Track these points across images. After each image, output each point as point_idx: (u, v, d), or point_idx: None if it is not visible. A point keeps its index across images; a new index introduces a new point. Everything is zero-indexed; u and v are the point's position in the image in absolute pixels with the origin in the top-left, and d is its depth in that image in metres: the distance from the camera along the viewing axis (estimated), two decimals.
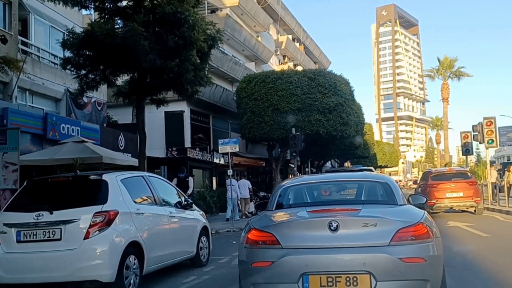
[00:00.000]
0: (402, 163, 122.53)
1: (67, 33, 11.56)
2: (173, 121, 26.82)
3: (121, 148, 19.48)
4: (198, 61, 12.38)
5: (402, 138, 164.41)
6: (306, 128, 24.55)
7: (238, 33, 34.51)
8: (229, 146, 14.74)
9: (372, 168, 31.30)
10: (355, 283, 3.82)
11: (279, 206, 4.87)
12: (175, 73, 11.47)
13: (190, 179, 11.76)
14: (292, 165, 37.34)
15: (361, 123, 33.67)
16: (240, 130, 27.35)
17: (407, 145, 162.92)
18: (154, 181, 6.28)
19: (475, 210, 15.96)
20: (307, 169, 41.46)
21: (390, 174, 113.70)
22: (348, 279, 3.83)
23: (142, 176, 6.13)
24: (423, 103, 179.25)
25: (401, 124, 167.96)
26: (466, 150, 23.37)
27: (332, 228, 3.99)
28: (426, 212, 4.54)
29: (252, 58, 38.74)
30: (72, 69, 12.18)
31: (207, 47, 11.80)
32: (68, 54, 12.31)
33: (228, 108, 29.57)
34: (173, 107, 27.22)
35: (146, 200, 5.95)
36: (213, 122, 30.18)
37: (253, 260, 4.14)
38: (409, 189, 51.97)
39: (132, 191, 5.56)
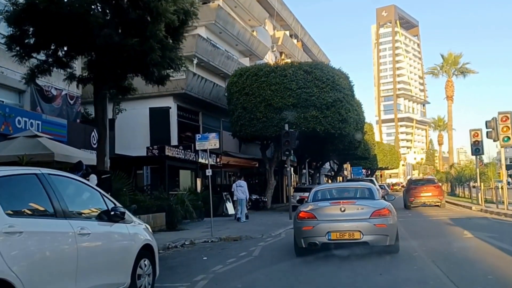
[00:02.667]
0: (403, 165, 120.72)
1: (7, 4, 9.50)
2: (158, 118, 24.85)
3: (95, 146, 17.43)
4: (170, 40, 10.31)
5: (402, 140, 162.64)
6: (302, 125, 22.56)
7: (231, 26, 32.51)
8: (207, 142, 12.74)
9: (373, 179, 38.29)
10: (352, 235, 7.95)
11: (314, 200, 9.06)
12: (138, 53, 9.42)
13: (92, 177, 9.21)
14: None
15: (361, 121, 31.67)
16: (231, 128, 25.36)
17: (407, 147, 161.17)
18: (58, 183, 4.21)
19: (439, 205, 22.97)
20: (304, 171, 39.39)
21: (390, 176, 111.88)
22: (349, 233, 7.96)
23: (36, 174, 4.04)
24: (423, 105, 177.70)
25: (401, 126, 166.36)
26: (476, 149, 21.37)
27: (342, 210, 8.12)
28: (390, 203, 8.74)
29: (247, 53, 36.74)
30: (17, 48, 10.13)
31: (177, 21, 9.76)
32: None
33: (219, 105, 27.57)
34: (159, 102, 25.34)
35: (34, 210, 3.90)
36: (203, 119, 28.16)
37: (302, 226, 8.23)
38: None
39: (6, 198, 3.54)
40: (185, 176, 26.67)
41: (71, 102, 18.74)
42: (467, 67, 38.13)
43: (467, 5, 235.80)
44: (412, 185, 24.30)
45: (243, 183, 19.86)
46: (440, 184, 27.12)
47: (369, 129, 46.29)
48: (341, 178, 63.16)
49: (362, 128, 32.45)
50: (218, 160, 20.92)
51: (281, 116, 22.44)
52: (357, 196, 9.23)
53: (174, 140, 24.46)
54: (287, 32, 47.00)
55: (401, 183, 76.29)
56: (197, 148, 13.17)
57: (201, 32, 28.80)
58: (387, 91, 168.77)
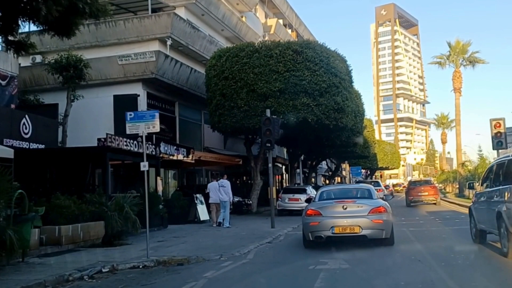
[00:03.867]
0: (403, 165, 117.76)
1: None
2: (124, 107, 21.14)
3: (26, 136, 13.94)
4: None
5: (402, 140, 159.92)
6: (290, 114, 19.03)
7: (215, 8, 28.96)
8: (143, 123, 9.23)
9: (378, 181, 41.85)
10: (353, 230, 9.17)
11: (320, 199, 10.59)
12: None
13: None
14: (279, 165, 31.74)
15: (360, 114, 28.11)
16: (209, 119, 21.86)
17: (407, 148, 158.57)
18: None
19: (435, 203, 25.85)
20: (298, 170, 35.75)
21: (390, 177, 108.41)
22: (350, 228, 9.21)
23: None
24: (423, 105, 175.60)
25: (400, 126, 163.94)
26: (499, 142, 17.96)
27: (344, 208, 9.47)
28: (386, 202, 11.01)
29: (234, 40, 33.11)
30: None
31: None
32: None
33: (199, 94, 24.04)
34: (125, 89, 21.79)
35: None
36: (180, 111, 24.63)
37: (310, 221, 9.63)
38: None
39: None
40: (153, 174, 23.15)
41: (3, 82, 15.23)
42: (477, 56, 34.66)
43: (468, 4, 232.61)
44: (412, 186, 28.67)
45: (225, 182, 16.66)
46: (437, 185, 32.33)
47: (369, 125, 42.74)
48: (339, 178, 59.68)
49: (361, 121, 28.92)
50: (189, 155, 17.39)
51: (266, 104, 18.90)
52: (358, 196, 10.63)
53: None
54: (281, 21, 43.48)
55: (402, 183, 72.84)
56: (128, 131, 9.60)
57: (180, 12, 25.26)
58: (386, 90, 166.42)
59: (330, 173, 50.15)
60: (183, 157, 16.81)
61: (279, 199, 21.39)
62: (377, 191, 13.14)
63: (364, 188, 11.10)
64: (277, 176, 30.44)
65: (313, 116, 19.27)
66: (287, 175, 33.39)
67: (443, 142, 58.98)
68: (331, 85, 19.64)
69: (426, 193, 26.20)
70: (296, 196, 21.00)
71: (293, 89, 19.14)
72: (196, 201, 16.93)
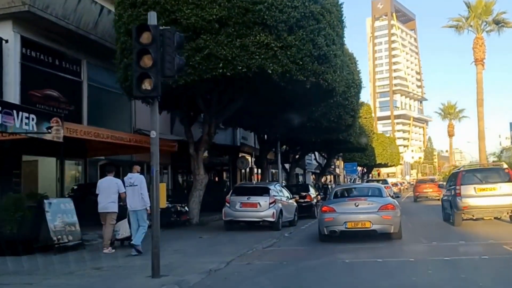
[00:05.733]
0: (400, 164, 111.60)
1: None
2: None
3: None
4: None
5: (399, 138, 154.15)
6: (237, 61, 11.18)
7: None
8: None
9: (387, 179, 43.51)
10: (364, 225, 10.34)
11: (334, 197, 11.85)
12: None
13: None
14: (247, 156, 23.80)
15: (356, 85, 20.31)
16: (116, 75, 14.03)
17: (404, 146, 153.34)
18: None
19: (438, 198, 26.33)
20: (280, 166, 27.76)
21: (388, 176, 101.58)
22: (362, 223, 10.38)
23: None
24: (420, 102, 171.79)
25: (397, 123, 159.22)
26: None
27: (356, 205, 10.65)
28: (394, 199, 12.51)
29: None
30: None
31: None
32: None
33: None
34: None
35: None
36: (90, 73, 16.69)
37: (325, 217, 10.81)
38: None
39: None
40: (47, 167, 15.33)
41: None
42: (504, 18, 26.86)
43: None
44: (418, 183, 33.07)
45: (136, 177, 9.73)
46: (440, 182, 34.67)
47: (367, 111, 34.88)
48: (331, 177, 52.08)
49: (357, 96, 21.12)
50: (51, 126, 9.44)
51: (197, 45, 11.08)
52: (369, 194, 11.75)
53: (13, 97, 13.08)
54: None
55: (403, 182, 65.62)
56: None
57: None
58: (383, 87, 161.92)
59: (321, 170, 42.32)
60: (31, 131, 8.85)
61: (227, 204, 13.51)
62: (385, 188, 13.76)
63: (375, 187, 12.67)
64: (241, 171, 22.49)
65: (277, 65, 11.42)
66: (257, 169, 25.41)
67: (450, 135, 51.21)
68: (308, 15, 11.84)
69: (431, 190, 29.94)
70: (253, 199, 13.11)
71: (241, 19, 11.29)
72: (47, 212, 8.98)
